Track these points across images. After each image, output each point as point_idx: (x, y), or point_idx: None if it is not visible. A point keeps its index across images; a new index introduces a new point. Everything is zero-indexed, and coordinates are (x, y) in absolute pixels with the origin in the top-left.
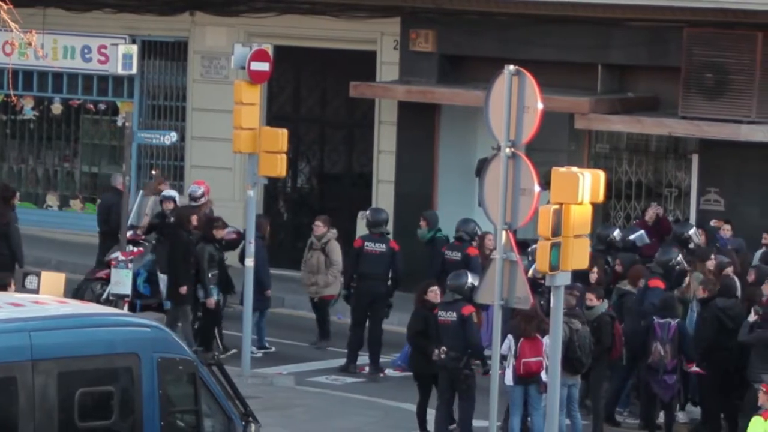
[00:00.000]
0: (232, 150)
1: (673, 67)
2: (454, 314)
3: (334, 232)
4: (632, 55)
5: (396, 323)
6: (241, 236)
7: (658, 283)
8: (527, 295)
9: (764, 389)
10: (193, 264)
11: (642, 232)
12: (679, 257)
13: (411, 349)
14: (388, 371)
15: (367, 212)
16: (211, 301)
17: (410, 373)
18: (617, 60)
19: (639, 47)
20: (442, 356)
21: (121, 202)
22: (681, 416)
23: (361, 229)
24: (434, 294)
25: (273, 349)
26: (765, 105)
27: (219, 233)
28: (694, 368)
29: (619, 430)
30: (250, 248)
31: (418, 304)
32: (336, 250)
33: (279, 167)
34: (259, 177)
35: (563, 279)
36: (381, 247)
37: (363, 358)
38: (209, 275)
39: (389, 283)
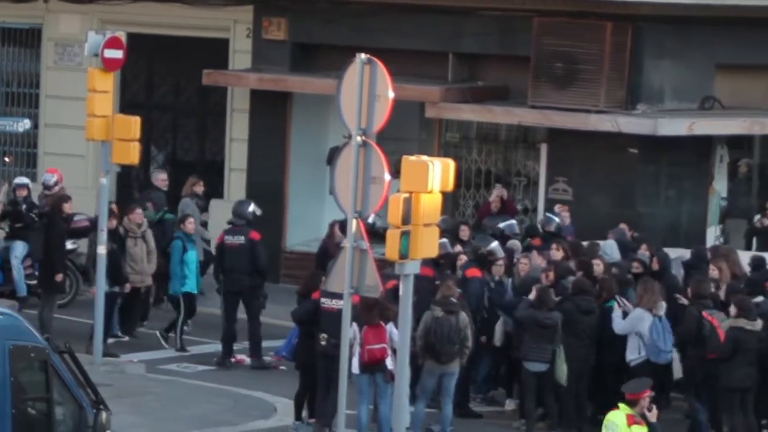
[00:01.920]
0: (86, 137)
1: (523, 56)
2: (341, 303)
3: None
4: (483, 44)
5: (273, 315)
6: (92, 224)
7: (475, 273)
8: (377, 284)
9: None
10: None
11: (513, 221)
12: (495, 244)
13: (298, 338)
14: (239, 356)
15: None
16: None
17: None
18: (468, 49)
19: (489, 36)
20: (323, 343)
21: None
22: (509, 403)
23: (216, 217)
24: None
25: (126, 338)
26: (613, 95)
27: (109, 223)
28: None
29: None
30: (102, 236)
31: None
32: (153, 239)
33: (132, 155)
34: (112, 164)
35: (412, 267)
36: (240, 239)
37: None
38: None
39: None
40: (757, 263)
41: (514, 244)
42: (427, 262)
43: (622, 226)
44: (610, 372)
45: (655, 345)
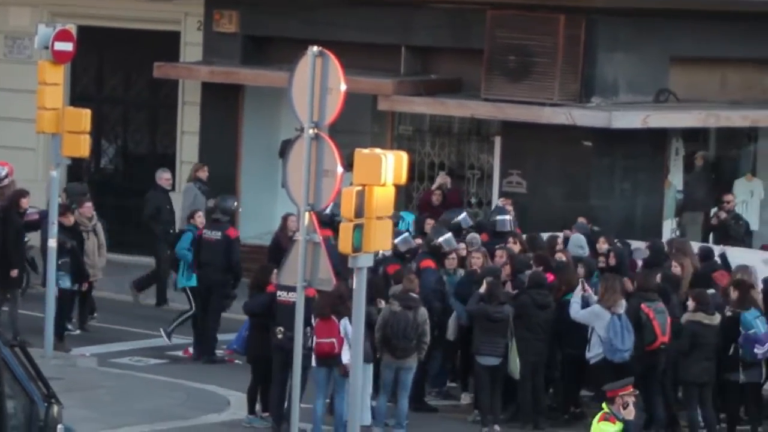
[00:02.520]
0: (36, 130)
1: (476, 49)
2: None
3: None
4: (435, 37)
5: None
6: (42, 217)
7: (429, 264)
8: (330, 277)
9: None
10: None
11: (464, 214)
12: (448, 236)
13: (249, 331)
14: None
15: (217, 199)
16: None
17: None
18: (421, 42)
19: (442, 29)
20: (279, 336)
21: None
22: (464, 396)
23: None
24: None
25: (78, 331)
26: (567, 87)
27: (66, 220)
28: None
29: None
30: (53, 229)
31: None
32: (103, 233)
33: (82, 147)
34: (63, 157)
35: (366, 261)
36: (216, 235)
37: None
38: (59, 262)
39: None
40: (704, 254)
41: (474, 237)
42: (394, 259)
43: (581, 219)
44: (571, 366)
45: (611, 344)
